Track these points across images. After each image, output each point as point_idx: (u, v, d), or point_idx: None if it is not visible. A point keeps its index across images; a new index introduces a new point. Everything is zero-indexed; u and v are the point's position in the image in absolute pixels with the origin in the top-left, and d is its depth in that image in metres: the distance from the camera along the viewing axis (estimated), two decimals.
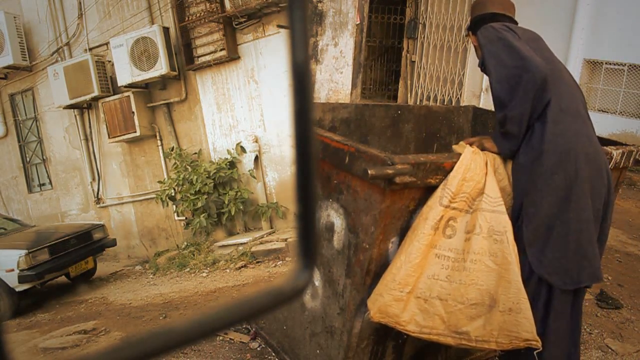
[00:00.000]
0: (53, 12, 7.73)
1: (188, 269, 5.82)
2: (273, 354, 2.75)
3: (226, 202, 6.25)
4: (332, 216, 1.94)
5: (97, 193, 8.05)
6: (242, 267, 5.37)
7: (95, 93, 7.03)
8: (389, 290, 1.69)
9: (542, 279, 1.78)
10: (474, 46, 2.16)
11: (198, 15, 6.34)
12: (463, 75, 6.57)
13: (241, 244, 5.92)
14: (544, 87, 1.77)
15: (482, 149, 1.86)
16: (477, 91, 6.59)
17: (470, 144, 1.86)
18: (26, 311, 5.42)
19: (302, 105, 0.47)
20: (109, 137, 7.23)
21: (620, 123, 5.84)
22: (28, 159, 8.78)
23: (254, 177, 6.46)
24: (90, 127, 7.91)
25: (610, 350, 2.66)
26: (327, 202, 1.97)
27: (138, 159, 7.65)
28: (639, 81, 5.77)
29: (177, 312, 4.21)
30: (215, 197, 6.37)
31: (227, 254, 5.81)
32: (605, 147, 2.02)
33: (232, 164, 6.56)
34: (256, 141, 6.44)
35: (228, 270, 5.39)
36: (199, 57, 6.61)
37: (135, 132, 6.99)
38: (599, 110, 6.03)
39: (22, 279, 5.18)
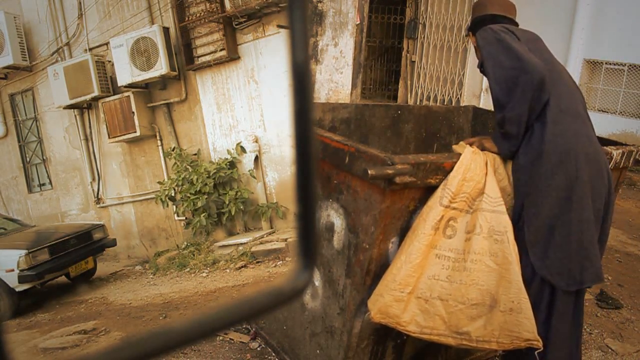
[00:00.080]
0: (53, 12, 7.73)
1: (188, 269, 5.82)
2: (273, 354, 2.75)
3: (226, 202, 6.26)
4: (332, 216, 1.94)
5: (97, 193, 8.05)
6: (242, 267, 5.37)
7: (95, 93, 7.03)
8: (390, 291, 1.69)
9: (544, 280, 1.78)
10: (474, 47, 2.16)
11: (198, 15, 6.34)
12: (463, 75, 6.57)
13: (241, 244, 5.92)
14: (541, 87, 1.77)
15: (482, 149, 1.86)
16: (477, 91, 6.59)
17: (470, 144, 1.86)
18: (26, 311, 5.42)
19: (302, 105, 0.47)
20: (109, 137, 7.23)
21: (620, 123, 5.84)
22: (28, 159, 8.78)
23: (254, 177, 6.46)
24: (90, 127, 7.91)
25: (610, 350, 2.66)
26: (327, 202, 1.97)
27: (138, 159, 7.66)
28: (639, 81, 5.77)
29: (177, 312, 4.21)
30: (215, 197, 6.37)
31: (227, 254, 5.81)
32: (605, 147, 2.02)
33: (232, 164, 6.56)
34: (256, 141, 6.44)
35: (228, 270, 5.39)
36: (199, 57, 6.61)
37: (135, 132, 6.99)
38: (599, 110, 6.03)
39: (22, 279, 5.18)
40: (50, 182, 8.65)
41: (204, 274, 5.49)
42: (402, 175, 1.57)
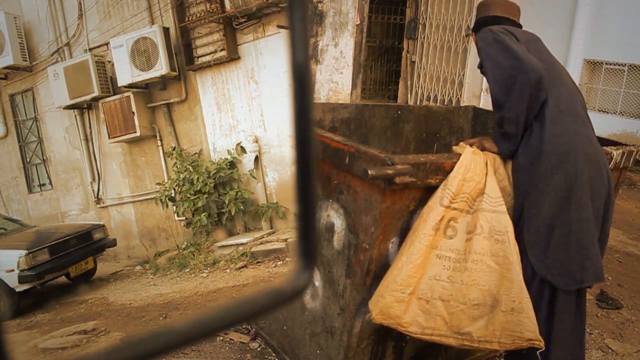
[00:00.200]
0: (53, 12, 7.73)
1: (188, 269, 5.82)
2: (273, 354, 2.75)
3: (226, 202, 6.26)
4: (332, 216, 1.94)
5: (97, 193, 8.05)
6: (242, 267, 5.37)
7: (96, 93, 7.03)
8: (391, 292, 1.69)
9: (544, 280, 1.78)
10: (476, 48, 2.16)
11: (198, 15, 6.34)
12: (463, 75, 6.57)
13: (241, 244, 5.92)
14: (539, 86, 1.78)
15: (482, 149, 1.86)
16: (477, 91, 6.59)
17: (470, 145, 1.86)
18: (26, 311, 5.42)
19: (302, 106, 0.47)
20: (109, 138, 7.23)
21: (620, 123, 5.83)
22: (28, 159, 8.78)
23: (254, 177, 6.46)
24: (90, 127, 7.91)
25: (610, 350, 2.66)
26: (327, 202, 1.97)
27: (138, 159, 7.66)
28: (639, 81, 5.77)
29: (177, 313, 4.21)
30: (215, 197, 6.37)
31: (227, 254, 5.81)
32: (605, 147, 2.02)
33: (232, 164, 6.56)
34: (256, 141, 6.44)
35: (228, 271, 5.39)
36: (199, 57, 6.61)
37: (136, 132, 6.99)
38: (599, 111, 6.03)
39: (22, 279, 5.18)
40: (51, 183, 8.65)
41: (204, 274, 5.49)
42: (402, 176, 1.57)
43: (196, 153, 6.98)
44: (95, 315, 4.66)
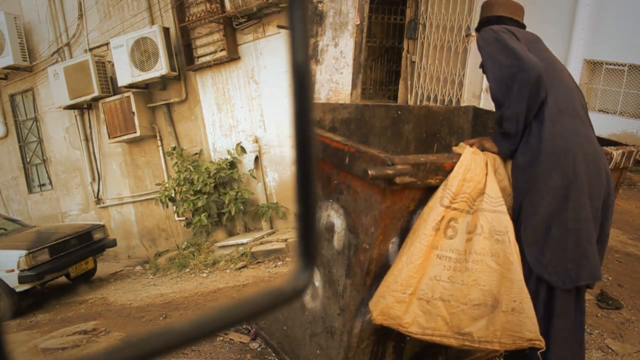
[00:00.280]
0: (53, 12, 7.73)
1: (188, 270, 5.82)
2: (273, 355, 2.75)
3: (226, 202, 6.25)
4: (332, 216, 1.94)
5: (97, 193, 8.05)
6: (242, 267, 5.37)
7: (96, 93, 7.03)
8: (391, 292, 1.69)
9: (541, 279, 1.79)
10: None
11: (198, 15, 6.34)
12: (463, 75, 6.57)
13: (241, 244, 5.92)
14: (538, 85, 1.78)
15: (482, 149, 1.87)
16: (477, 91, 6.59)
17: (470, 145, 1.87)
18: (26, 311, 5.42)
19: (302, 106, 0.47)
20: (109, 138, 7.23)
21: (621, 123, 5.83)
22: (28, 160, 8.78)
23: (254, 177, 6.46)
24: (90, 127, 7.91)
25: (610, 350, 2.66)
26: (327, 202, 1.97)
27: (138, 160, 7.66)
28: (639, 81, 5.77)
29: (177, 313, 4.20)
30: (215, 197, 6.37)
31: (228, 254, 5.81)
32: (605, 148, 2.02)
33: (233, 164, 6.56)
34: (256, 141, 6.44)
35: (228, 271, 5.39)
36: (199, 57, 6.61)
37: (136, 132, 6.99)
38: (599, 111, 6.03)
39: (22, 279, 5.18)
40: (51, 183, 8.65)
41: (204, 274, 5.49)
42: (402, 176, 1.57)
43: (196, 153, 6.98)
44: (95, 315, 4.66)
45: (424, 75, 7.06)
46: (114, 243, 6.59)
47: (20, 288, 5.25)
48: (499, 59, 1.83)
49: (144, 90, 7.14)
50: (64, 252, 5.70)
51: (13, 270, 5.17)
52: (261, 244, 5.77)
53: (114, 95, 7.12)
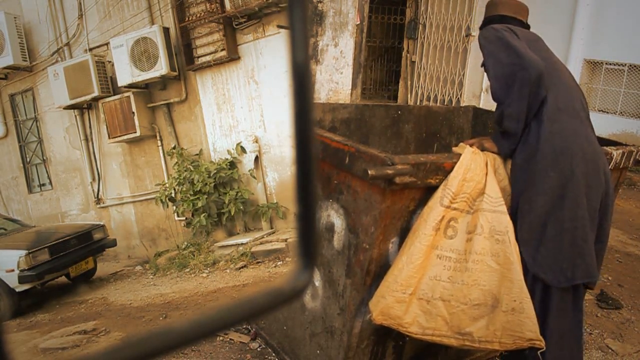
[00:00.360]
0: (53, 12, 7.73)
1: (188, 270, 5.82)
2: (273, 355, 2.75)
3: (226, 202, 6.25)
4: (332, 216, 1.94)
5: (97, 193, 8.05)
6: (242, 267, 5.37)
7: (96, 93, 7.03)
8: (391, 292, 1.69)
9: (536, 277, 1.79)
10: None
11: (198, 15, 6.34)
12: (463, 75, 6.57)
13: (241, 244, 5.92)
14: (539, 83, 1.78)
15: (482, 149, 1.87)
16: (477, 91, 6.58)
17: (470, 145, 1.87)
18: (26, 311, 5.42)
19: (302, 106, 0.47)
20: (109, 138, 7.23)
21: (620, 123, 5.83)
22: (28, 159, 8.78)
23: (254, 177, 6.46)
24: (90, 127, 7.91)
25: (610, 350, 2.66)
26: (327, 202, 1.97)
27: (138, 159, 7.66)
28: (639, 81, 5.77)
29: (177, 313, 4.20)
30: (215, 197, 6.37)
31: (227, 254, 5.81)
32: (605, 148, 2.02)
33: (233, 164, 6.56)
34: (256, 141, 6.44)
35: (228, 271, 5.39)
36: (199, 57, 6.61)
37: (136, 132, 6.99)
38: (599, 111, 6.03)
39: (22, 279, 5.18)
40: (51, 183, 8.65)
41: (204, 274, 5.49)
42: (402, 176, 1.57)
43: (196, 153, 6.98)
44: (95, 315, 4.66)
45: (424, 75, 7.06)
46: (114, 243, 6.59)
47: (20, 288, 5.25)
48: (500, 57, 1.83)
49: (144, 90, 7.14)
50: (64, 252, 5.70)
51: (13, 270, 5.17)
52: (261, 244, 5.77)
53: (114, 95, 7.12)
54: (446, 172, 1.72)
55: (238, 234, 6.67)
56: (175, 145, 7.02)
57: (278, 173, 6.44)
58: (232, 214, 6.25)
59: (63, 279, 6.15)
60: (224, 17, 6.09)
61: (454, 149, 1.90)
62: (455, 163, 1.73)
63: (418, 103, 7.02)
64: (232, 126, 6.70)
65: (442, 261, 1.71)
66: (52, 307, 5.50)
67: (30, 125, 8.62)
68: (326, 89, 5.64)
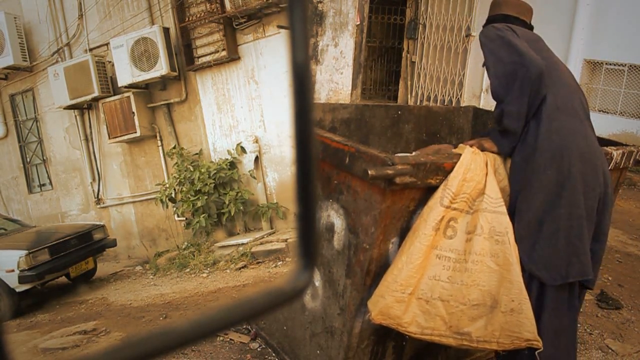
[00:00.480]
0: (53, 12, 7.73)
1: (188, 270, 5.82)
2: (273, 355, 2.75)
3: (226, 202, 6.26)
4: (332, 216, 1.94)
5: (97, 193, 8.05)
6: (242, 267, 5.37)
7: (96, 93, 7.03)
8: (391, 292, 1.69)
9: (532, 275, 1.79)
10: None
11: (198, 15, 6.34)
12: (463, 75, 6.57)
13: (241, 244, 5.92)
14: (539, 81, 1.79)
15: (482, 149, 1.86)
16: (477, 91, 6.59)
17: (470, 146, 1.87)
18: (26, 311, 5.42)
19: (302, 106, 0.47)
20: (109, 138, 7.23)
21: (621, 123, 5.83)
22: (28, 160, 8.78)
23: (254, 177, 6.46)
24: (90, 127, 7.91)
25: (610, 350, 2.66)
26: (327, 202, 1.97)
27: (138, 160, 7.66)
28: (639, 81, 5.77)
29: (177, 313, 4.21)
30: (215, 197, 6.37)
31: (228, 254, 5.81)
32: (605, 148, 2.02)
33: (233, 165, 6.56)
34: (256, 142, 6.44)
35: (228, 271, 5.39)
36: (199, 57, 6.61)
37: (136, 132, 6.99)
38: (599, 111, 6.03)
39: (22, 280, 5.18)
40: (51, 183, 8.65)
41: (204, 275, 5.49)
42: (402, 176, 1.57)
43: (196, 153, 6.98)
44: (95, 315, 4.66)
45: (424, 76, 7.06)
46: (114, 243, 6.59)
47: (21, 288, 5.25)
48: (501, 55, 1.84)
49: (144, 90, 7.14)
50: (64, 252, 5.70)
51: (13, 270, 5.17)
52: (261, 244, 5.77)
53: (114, 95, 7.12)
54: (446, 172, 1.72)
55: (238, 234, 6.67)
56: (175, 145, 7.02)
57: (278, 173, 6.45)
58: (232, 214, 6.25)
59: (63, 279, 6.15)
60: (224, 17, 6.09)
61: (453, 150, 1.90)
62: (455, 163, 1.73)
63: (418, 103, 7.02)
64: (232, 126, 6.70)
65: (442, 261, 1.71)
66: (52, 307, 5.50)
67: (30, 126, 8.62)
68: (326, 89, 5.64)
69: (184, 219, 6.98)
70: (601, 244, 1.95)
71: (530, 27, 2.11)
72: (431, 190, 1.75)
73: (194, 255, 6.17)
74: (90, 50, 7.47)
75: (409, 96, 7.33)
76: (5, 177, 9.04)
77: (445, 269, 1.71)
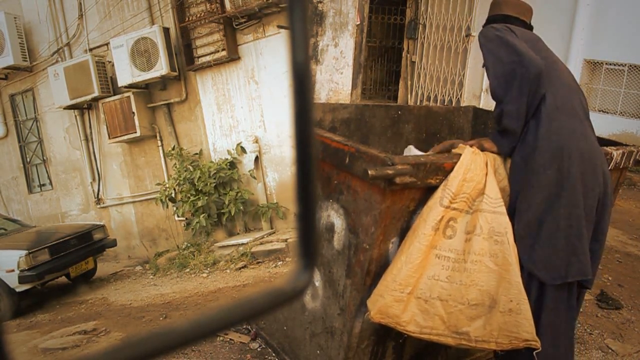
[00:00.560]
0: (53, 12, 7.73)
1: (188, 270, 5.82)
2: (273, 355, 2.75)
3: (226, 202, 6.26)
4: (333, 216, 1.94)
5: (98, 193, 8.05)
6: (242, 267, 5.37)
7: (96, 93, 7.04)
8: (390, 291, 1.69)
9: (532, 275, 1.79)
10: None
11: (198, 15, 6.34)
12: (463, 75, 6.57)
13: (241, 244, 5.92)
14: (537, 81, 1.79)
15: (482, 149, 1.87)
16: (477, 92, 6.58)
17: (470, 146, 1.87)
18: (26, 311, 5.42)
19: (302, 106, 0.47)
20: (109, 138, 7.23)
21: (620, 123, 5.83)
22: (28, 160, 8.78)
23: (254, 177, 6.46)
24: (90, 127, 7.91)
25: (610, 350, 2.66)
26: (327, 202, 1.97)
27: (138, 160, 7.66)
28: (639, 81, 5.77)
29: (177, 313, 4.21)
30: (215, 197, 6.37)
31: (228, 254, 5.81)
32: (605, 148, 2.02)
33: (233, 165, 6.56)
34: (256, 142, 6.44)
35: (228, 271, 5.39)
36: (199, 57, 6.61)
37: (136, 132, 6.99)
38: (599, 111, 6.03)
39: (22, 280, 5.18)
40: (51, 183, 8.65)
41: (205, 275, 5.49)
42: (402, 176, 1.57)
43: (196, 153, 6.98)
44: (95, 315, 4.66)
45: (424, 75, 7.06)
46: (114, 243, 6.59)
47: (21, 288, 5.25)
48: (500, 55, 1.84)
49: (144, 90, 7.14)
50: (64, 252, 5.70)
51: (13, 270, 5.17)
52: (261, 244, 5.77)
53: (114, 95, 7.13)
54: (446, 172, 1.72)
55: (238, 234, 6.67)
56: (175, 146, 7.02)
57: (278, 173, 6.45)
58: (232, 214, 6.25)
59: (63, 279, 6.15)
60: (224, 17, 6.09)
61: (453, 150, 1.90)
62: (455, 163, 1.73)
63: (418, 103, 7.02)
64: (232, 126, 6.70)
65: (441, 261, 1.71)
66: (52, 307, 5.50)
67: (30, 126, 8.62)
68: (326, 89, 5.64)
69: (184, 219, 6.98)
70: (600, 244, 1.95)
71: (530, 27, 2.11)
72: (431, 190, 1.75)
73: (194, 255, 6.17)
74: (90, 50, 7.47)
75: (409, 96, 7.33)
76: (5, 177, 9.04)
77: (445, 268, 1.71)
